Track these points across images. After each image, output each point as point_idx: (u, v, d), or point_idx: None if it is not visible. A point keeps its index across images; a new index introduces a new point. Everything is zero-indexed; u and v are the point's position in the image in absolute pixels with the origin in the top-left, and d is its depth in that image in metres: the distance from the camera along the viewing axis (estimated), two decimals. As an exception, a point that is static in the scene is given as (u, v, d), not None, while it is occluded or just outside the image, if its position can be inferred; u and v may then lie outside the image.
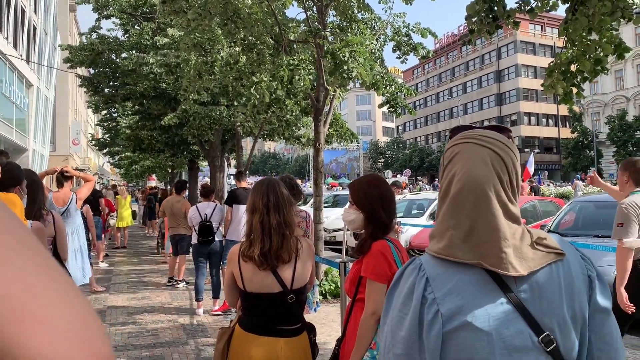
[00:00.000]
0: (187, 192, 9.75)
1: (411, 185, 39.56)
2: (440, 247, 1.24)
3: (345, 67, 6.36)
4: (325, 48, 7.36)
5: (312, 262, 2.59)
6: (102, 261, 11.65)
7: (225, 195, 13.10)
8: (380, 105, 9.53)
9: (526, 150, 51.21)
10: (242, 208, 6.90)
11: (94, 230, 9.00)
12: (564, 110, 55.58)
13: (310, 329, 2.60)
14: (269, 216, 2.43)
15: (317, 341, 2.66)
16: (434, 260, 1.25)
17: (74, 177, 6.05)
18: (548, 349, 1.17)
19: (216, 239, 7.20)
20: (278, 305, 2.43)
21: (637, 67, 47.64)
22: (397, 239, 2.61)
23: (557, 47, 58.26)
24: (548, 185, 31.74)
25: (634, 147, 44.88)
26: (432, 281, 1.21)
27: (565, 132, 55.78)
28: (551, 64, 4.75)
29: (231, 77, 9.03)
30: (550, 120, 60.40)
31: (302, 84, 7.30)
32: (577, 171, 48.46)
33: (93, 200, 11.24)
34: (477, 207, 1.21)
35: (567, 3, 4.83)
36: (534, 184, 23.83)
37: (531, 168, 22.80)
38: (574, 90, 4.82)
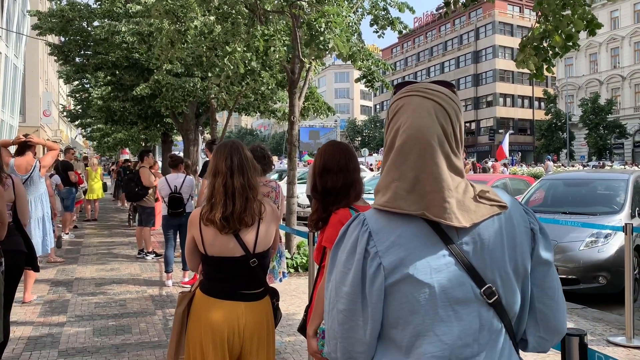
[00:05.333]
0: (152, 161, 9.61)
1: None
2: (385, 200, 1.22)
3: (321, 38, 6.26)
4: (301, 19, 7.24)
5: (276, 226, 2.56)
6: (67, 233, 11.41)
7: (200, 169, 12.97)
8: (357, 80, 9.47)
9: (501, 131, 51.84)
10: None
11: (54, 199, 8.86)
12: (539, 92, 56.22)
13: (273, 294, 2.58)
14: (232, 179, 2.38)
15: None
16: (377, 214, 1.24)
17: (37, 145, 5.89)
18: (490, 301, 1.17)
19: (186, 210, 7.10)
20: (240, 269, 2.39)
21: (634, 45, 47.86)
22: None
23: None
24: (521, 166, 32.18)
25: (604, 130, 45.77)
26: (374, 235, 1.20)
27: (540, 114, 56.51)
28: (524, 38, 4.75)
29: (205, 47, 8.84)
30: (525, 102, 61.10)
31: (277, 55, 7.17)
32: (549, 152, 49.32)
33: (63, 173, 11.06)
34: (422, 158, 1.20)
35: (543, -22, 4.82)
36: (508, 166, 23.95)
37: (506, 148, 22.97)
38: (545, 66, 4.84)
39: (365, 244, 1.20)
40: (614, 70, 49.69)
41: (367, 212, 1.28)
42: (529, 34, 4.63)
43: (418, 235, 1.19)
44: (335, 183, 2.43)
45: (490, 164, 20.90)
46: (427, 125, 1.22)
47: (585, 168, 30.88)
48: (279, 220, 2.66)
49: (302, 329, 2.59)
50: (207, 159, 7.75)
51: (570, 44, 4.47)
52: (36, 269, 3.92)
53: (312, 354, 2.28)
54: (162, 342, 4.87)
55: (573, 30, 4.40)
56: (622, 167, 30.67)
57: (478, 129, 61.28)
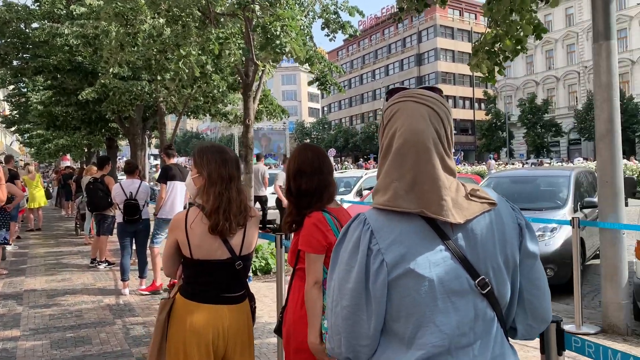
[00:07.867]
0: (109, 168, 9.23)
1: (337, 165, 40.15)
2: (385, 199, 1.29)
3: (277, 42, 6.29)
4: (255, 22, 7.24)
5: (257, 230, 2.59)
6: (10, 244, 10.89)
7: (148, 174, 12.70)
8: (310, 83, 9.55)
9: (444, 131, 53.18)
10: (177, 185, 6.73)
11: None
12: (479, 93, 58.20)
13: (251, 297, 2.61)
14: (230, 184, 2.43)
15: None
16: (377, 213, 1.30)
17: None
18: (484, 292, 1.26)
19: (142, 217, 6.96)
20: (226, 272, 2.42)
21: (567, 47, 50.83)
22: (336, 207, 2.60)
23: (474, 32, 60.75)
24: (464, 165, 33.21)
25: (541, 129, 47.93)
26: (376, 233, 1.26)
27: (480, 114, 58.46)
28: (477, 43, 4.96)
29: (155, 50, 8.68)
30: (466, 103, 63.09)
31: (232, 59, 7.15)
32: (490, 151, 51.14)
33: (10, 182, 10.53)
34: (419, 159, 1.28)
35: (491, -16, 5.05)
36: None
37: None
38: (496, 68, 5.08)
39: (368, 242, 1.26)
40: (549, 72, 52.18)
41: (367, 212, 1.34)
42: (481, 39, 4.85)
43: (417, 232, 1.26)
44: (309, 185, 2.46)
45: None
46: (423, 129, 1.30)
47: (524, 166, 32.27)
48: (258, 223, 2.69)
49: (279, 330, 2.62)
50: (158, 163, 7.61)
51: (520, 47, 4.71)
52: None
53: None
54: (125, 351, 4.77)
55: (522, 34, 4.65)
56: (560, 164, 32.21)
57: (422, 130, 62.65)
